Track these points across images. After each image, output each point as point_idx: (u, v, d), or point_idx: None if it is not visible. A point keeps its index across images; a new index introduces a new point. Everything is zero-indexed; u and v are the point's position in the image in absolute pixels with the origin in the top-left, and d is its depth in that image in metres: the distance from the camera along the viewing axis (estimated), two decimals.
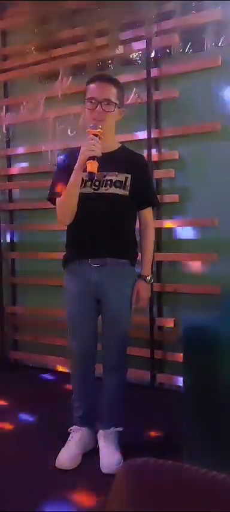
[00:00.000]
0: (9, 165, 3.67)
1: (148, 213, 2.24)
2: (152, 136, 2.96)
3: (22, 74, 3.51)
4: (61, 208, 2.12)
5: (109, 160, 2.08)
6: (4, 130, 3.58)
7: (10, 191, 3.68)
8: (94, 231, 2.11)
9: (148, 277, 2.24)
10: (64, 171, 2.11)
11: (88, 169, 1.96)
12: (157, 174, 3.00)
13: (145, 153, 2.87)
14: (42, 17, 3.25)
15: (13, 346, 3.73)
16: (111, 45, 3.03)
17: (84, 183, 2.09)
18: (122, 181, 2.11)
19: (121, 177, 2.12)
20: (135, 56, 3.22)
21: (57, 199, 2.12)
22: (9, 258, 3.71)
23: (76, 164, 2.01)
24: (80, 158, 2.00)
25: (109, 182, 2.10)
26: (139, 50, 3.10)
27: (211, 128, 2.82)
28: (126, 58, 3.26)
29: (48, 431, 2.51)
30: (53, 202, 2.17)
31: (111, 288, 2.14)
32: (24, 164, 3.60)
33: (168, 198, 2.98)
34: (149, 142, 2.94)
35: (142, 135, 2.98)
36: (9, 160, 3.67)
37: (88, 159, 1.96)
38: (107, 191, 2.10)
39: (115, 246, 2.13)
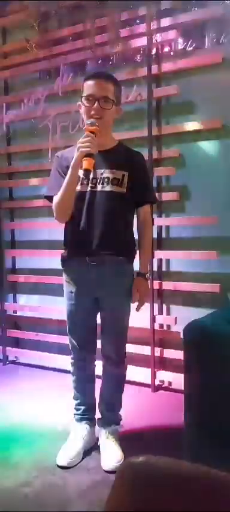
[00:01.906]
0: (9, 163, 3.67)
1: (145, 210, 2.23)
2: (153, 133, 2.95)
3: (22, 71, 3.51)
4: (58, 206, 2.11)
5: (106, 158, 2.08)
6: (4, 128, 3.57)
7: (11, 189, 3.68)
8: (91, 229, 2.09)
9: (147, 274, 2.24)
10: (61, 169, 2.11)
11: (84, 166, 1.95)
12: (158, 171, 3.00)
13: (145, 151, 2.87)
14: (42, 14, 3.24)
15: (14, 343, 3.73)
16: (112, 42, 3.02)
17: (80, 181, 2.08)
18: (119, 179, 2.10)
19: (118, 174, 2.10)
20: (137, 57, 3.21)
21: (54, 197, 2.12)
22: (9, 256, 3.72)
23: (73, 161, 2.00)
24: (76, 155, 1.99)
25: (106, 180, 2.09)
26: (140, 47, 3.10)
27: (212, 126, 2.81)
28: (127, 55, 3.25)
29: (49, 428, 2.51)
30: (50, 200, 2.17)
31: (110, 285, 2.13)
32: (24, 162, 3.59)
33: (168, 195, 2.97)
34: (150, 140, 2.93)
35: (142, 132, 2.98)
36: (10, 158, 3.67)
37: (84, 157, 1.96)
38: (104, 189, 2.08)
39: (113, 244, 2.11)
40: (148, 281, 2.32)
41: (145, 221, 2.22)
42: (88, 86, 2.08)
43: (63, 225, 2.21)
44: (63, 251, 2.26)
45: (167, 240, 3.06)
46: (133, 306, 2.25)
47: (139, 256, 2.24)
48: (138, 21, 3.06)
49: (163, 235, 3.06)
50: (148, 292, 2.32)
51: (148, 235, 2.25)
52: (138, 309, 2.23)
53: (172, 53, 3.07)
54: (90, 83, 2.09)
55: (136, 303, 2.22)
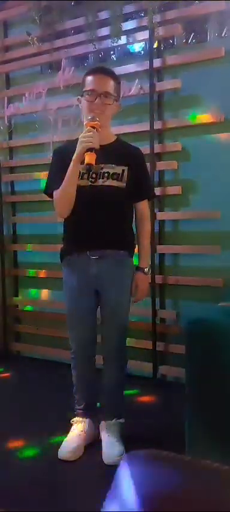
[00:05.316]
0: (11, 157, 3.67)
1: (144, 205, 2.24)
2: (155, 127, 2.94)
3: (24, 65, 3.50)
4: (59, 201, 2.11)
5: (106, 153, 2.08)
6: (6, 122, 3.57)
7: (12, 183, 3.68)
8: (92, 224, 2.10)
9: (146, 269, 2.24)
10: (61, 163, 2.11)
11: (86, 161, 1.95)
12: (160, 165, 2.99)
13: (147, 145, 2.86)
14: (44, 7, 3.22)
15: (15, 337, 3.74)
16: (113, 36, 3.01)
17: (81, 176, 2.08)
18: (119, 174, 2.10)
19: (118, 169, 2.11)
20: (139, 48, 3.20)
21: (54, 192, 2.11)
22: (11, 250, 3.72)
23: (74, 156, 2.00)
24: (78, 150, 1.99)
25: (106, 174, 2.09)
26: (141, 41, 3.08)
27: (215, 119, 2.80)
28: (129, 49, 3.24)
29: (50, 423, 2.52)
30: (50, 195, 2.17)
31: (110, 279, 2.14)
32: (26, 156, 3.59)
33: (170, 190, 2.97)
34: (152, 134, 2.92)
35: (144, 126, 2.97)
36: (12, 152, 3.66)
37: (86, 151, 1.95)
38: (104, 183, 2.09)
39: (114, 238, 2.13)
40: (148, 276, 2.33)
41: (143, 216, 2.24)
42: (90, 81, 2.08)
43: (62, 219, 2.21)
44: (62, 245, 2.26)
45: (169, 234, 3.05)
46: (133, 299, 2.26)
47: (138, 251, 2.25)
48: (141, 14, 3.04)
49: (166, 229, 3.06)
50: (147, 287, 2.33)
51: (146, 230, 2.26)
52: (135, 301, 2.26)
53: (174, 46, 3.05)
54: (91, 77, 2.09)
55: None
